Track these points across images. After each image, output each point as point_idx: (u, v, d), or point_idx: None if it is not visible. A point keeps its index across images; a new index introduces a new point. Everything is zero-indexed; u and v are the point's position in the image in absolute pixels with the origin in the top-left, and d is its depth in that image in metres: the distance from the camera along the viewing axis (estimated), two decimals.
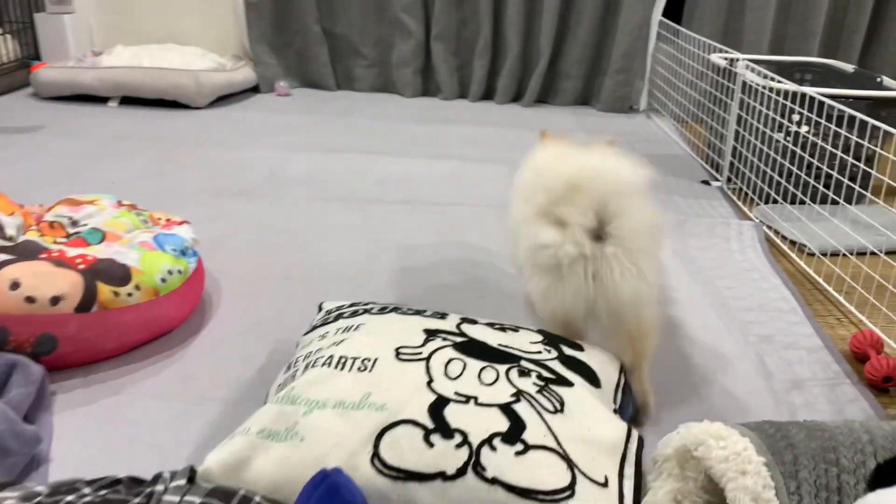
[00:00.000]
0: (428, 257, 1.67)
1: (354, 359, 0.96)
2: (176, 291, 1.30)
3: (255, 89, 3.07)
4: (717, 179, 2.22)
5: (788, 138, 1.93)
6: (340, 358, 0.97)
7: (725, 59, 2.21)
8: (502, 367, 0.97)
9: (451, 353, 0.98)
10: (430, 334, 1.02)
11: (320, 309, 1.20)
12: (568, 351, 1.04)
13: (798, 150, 1.88)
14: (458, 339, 1.02)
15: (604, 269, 1.00)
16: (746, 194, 2.08)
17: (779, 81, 1.92)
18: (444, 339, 1.01)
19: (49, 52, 3.17)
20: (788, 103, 1.88)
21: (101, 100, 2.81)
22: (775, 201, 1.95)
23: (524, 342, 1.04)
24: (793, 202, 1.88)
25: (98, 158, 2.21)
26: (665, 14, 2.87)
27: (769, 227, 1.89)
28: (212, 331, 1.35)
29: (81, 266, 1.21)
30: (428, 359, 0.97)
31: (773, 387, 1.25)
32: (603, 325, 1.06)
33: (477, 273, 1.61)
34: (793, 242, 1.80)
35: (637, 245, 1.00)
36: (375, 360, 0.96)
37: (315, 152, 2.34)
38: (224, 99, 2.90)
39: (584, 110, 3.04)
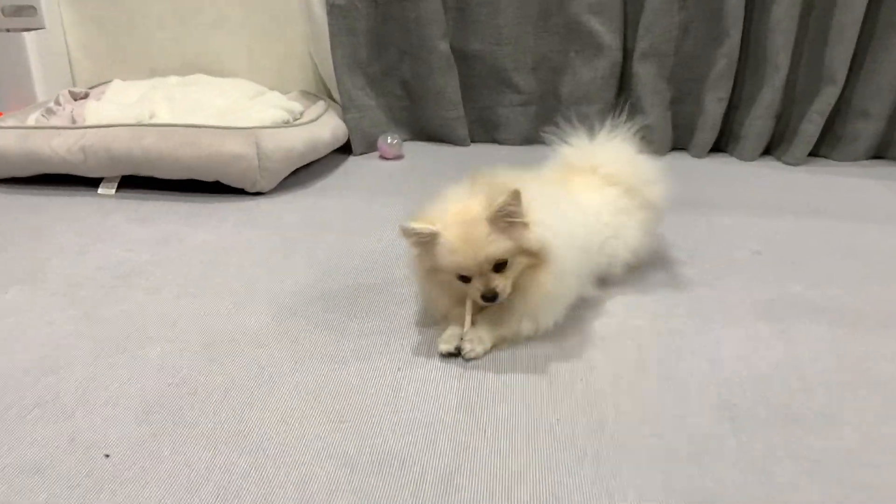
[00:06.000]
0: None
1: None
2: None
3: (343, 149, 1.86)
4: None
5: None
6: None
7: None
8: None
9: None
10: None
11: None
12: None
13: None
14: None
15: None
16: None
17: None
18: None
19: (3, 92, 1.98)
20: None
21: (86, 181, 1.62)
22: None
23: None
24: None
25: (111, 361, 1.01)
26: None
27: None
28: None
29: None
30: None
31: None
32: None
33: None
34: None
35: None
36: None
37: None
38: (298, 173, 1.69)
39: (889, 170, 1.83)
